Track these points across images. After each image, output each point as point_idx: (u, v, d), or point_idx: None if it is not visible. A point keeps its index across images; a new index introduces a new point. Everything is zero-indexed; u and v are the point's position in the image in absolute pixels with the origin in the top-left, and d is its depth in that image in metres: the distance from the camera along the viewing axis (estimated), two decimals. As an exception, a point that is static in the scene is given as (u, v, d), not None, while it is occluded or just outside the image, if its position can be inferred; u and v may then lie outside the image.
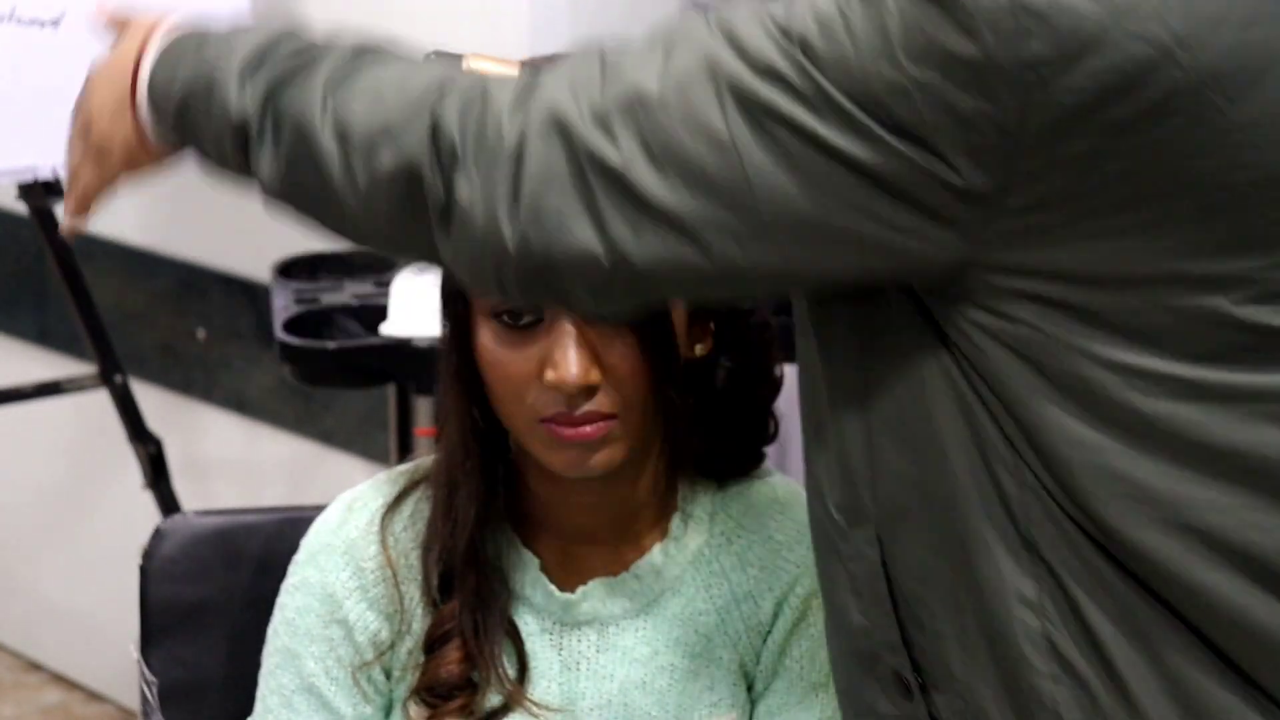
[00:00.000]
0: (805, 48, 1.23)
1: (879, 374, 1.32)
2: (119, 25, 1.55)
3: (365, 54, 1.40)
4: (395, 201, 1.33)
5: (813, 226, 1.25)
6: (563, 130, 1.28)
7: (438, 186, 1.31)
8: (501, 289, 1.33)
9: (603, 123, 1.27)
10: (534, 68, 1.34)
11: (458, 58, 1.52)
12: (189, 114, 1.43)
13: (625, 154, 1.26)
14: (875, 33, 1.22)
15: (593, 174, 1.27)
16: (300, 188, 1.39)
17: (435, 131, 1.31)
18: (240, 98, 1.39)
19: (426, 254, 1.36)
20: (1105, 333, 1.25)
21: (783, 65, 1.24)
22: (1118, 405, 1.26)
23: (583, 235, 1.27)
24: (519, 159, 1.28)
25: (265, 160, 1.39)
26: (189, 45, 1.45)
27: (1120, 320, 1.25)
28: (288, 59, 1.39)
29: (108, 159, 1.52)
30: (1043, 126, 1.20)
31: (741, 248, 1.26)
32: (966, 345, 1.28)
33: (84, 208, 1.56)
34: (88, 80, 1.53)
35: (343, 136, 1.35)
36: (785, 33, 1.24)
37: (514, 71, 1.40)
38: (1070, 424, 1.26)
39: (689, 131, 1.25)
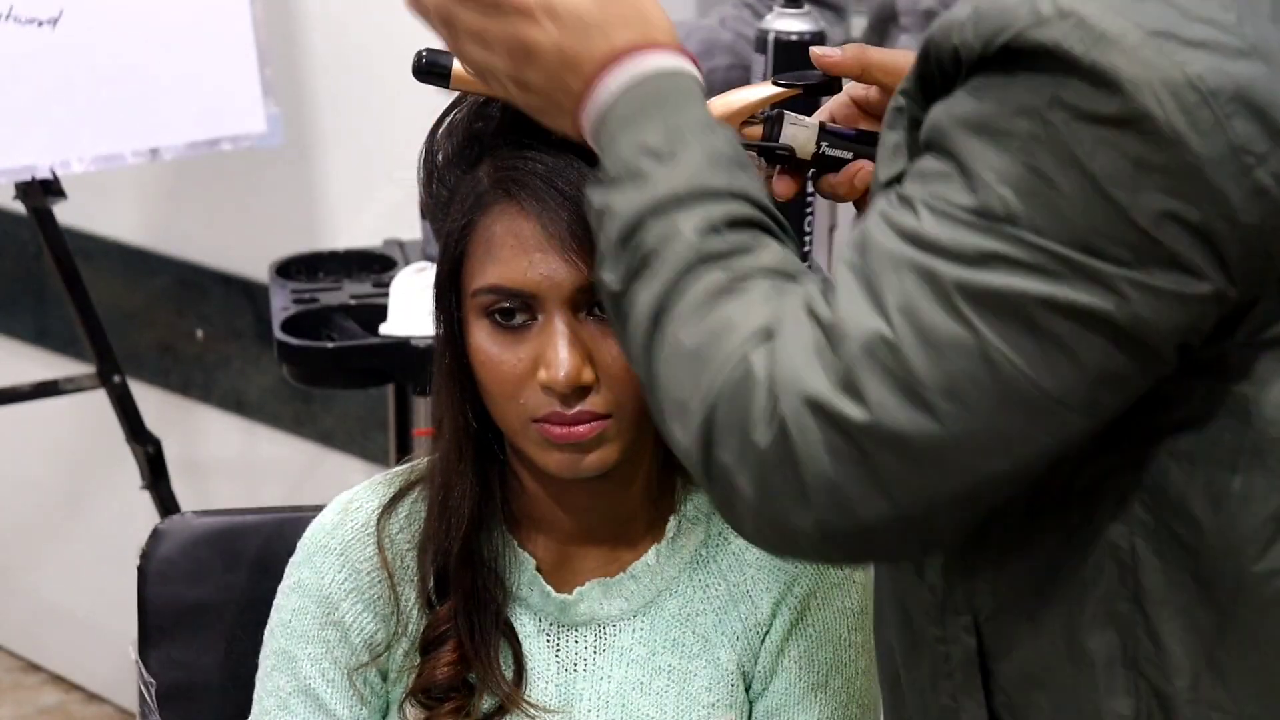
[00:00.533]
0: (1012, 219, 1.20)
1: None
2: None
3: (700, 267, 1.30)
4: (689, 461, 1.31)
5: (1096, 382, 1.22)
6: (821, 411, 1.22)
7: (710, 486, 1.28)
8: (808, 556, 1.34)
9: (852, 386, 1.22)
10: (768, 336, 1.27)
11: (449, 55, 1.52)
12: (617, 184, 1.35)
13: (882, 408, 1.21)
14: (1078, 177, 1.19)
15: (864, 441, 1.22)
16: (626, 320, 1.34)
17: (708, 440, 1.27)
18: (611, 266, 1.33)
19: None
20: None
21: (998, 246, 1.20)
22: None
23: (876, 504, 1.23)
24: (789, 450, 1.23)
25: (616, 324, 1.35)
26: (644, 107, 1.36)
27: None
28: (651, 241, 1.31)
29: (490, 76, 1.42)
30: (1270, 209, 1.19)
31: (1040, 437, 1.23)
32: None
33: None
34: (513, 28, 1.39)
35: (651, 381, 1.31)
36: (982, 213, 1.21)
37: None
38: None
39: (939, 356, 1.21)
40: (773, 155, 1.52)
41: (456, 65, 1.51)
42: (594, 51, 1.37)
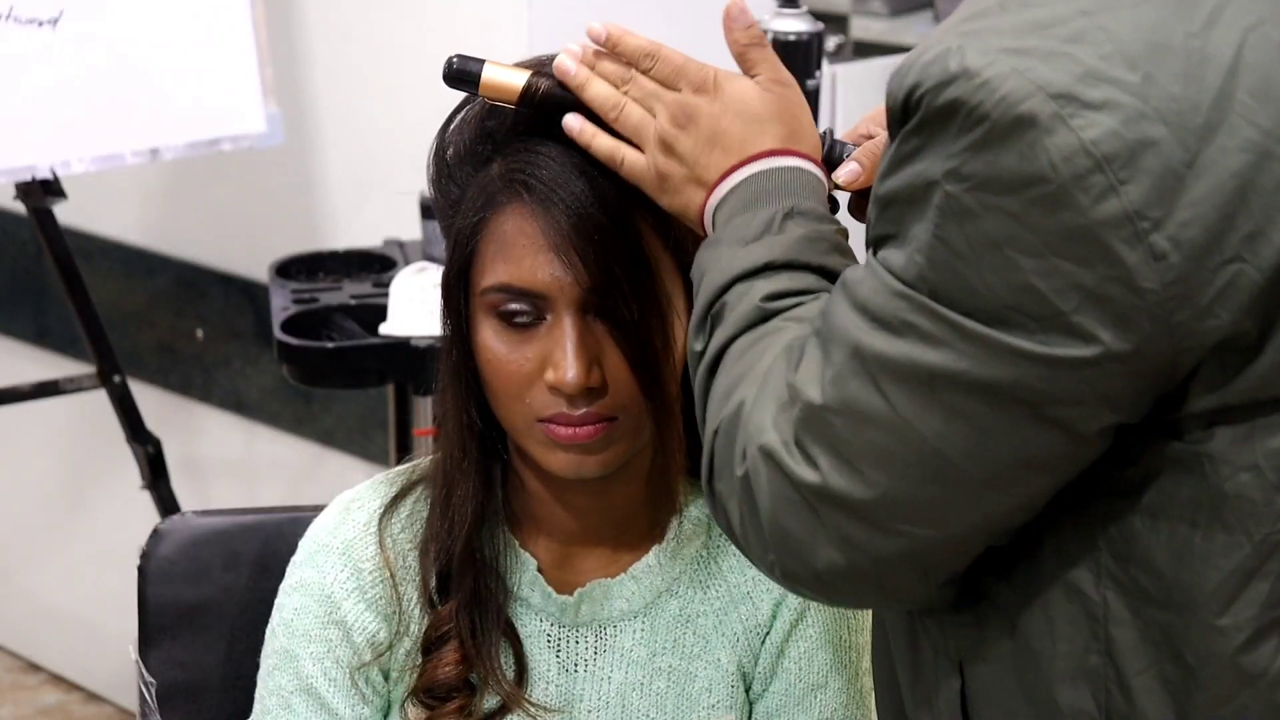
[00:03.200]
0: (925, 288, 1.23)
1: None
2: (757, 60, 1.48)
3: (740, 333, 1.37)
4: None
5: (1015, 463, 1.25)
6: (772, 461, 1.29)
7: (714, 512, 1.36)
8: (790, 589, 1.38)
9: (800, 446, 1.28)
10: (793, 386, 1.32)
11: (479, 62, 1.52)
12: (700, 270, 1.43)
13: (824, 471, 1.26)
14: (981, 243, 1.20)
15: (810, 497, 1.27)
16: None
17: (711, 468, 1.35)
18: (696, 333, 1.41)
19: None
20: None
21: (913, 317, 1.23)
22: None
23: (826, 554, 1.28)
24: (750, 492, 1.30)
25: (693, 339, 1.42)
26: (755, 198, 1.42)
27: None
28: (722, 308, 1.39)
29: (663, 190, 1.48)
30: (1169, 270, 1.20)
31: (965, 511, 1.26)
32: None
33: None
34: (726, 94, 1.46)
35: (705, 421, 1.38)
36: (905, 280, 1.24)
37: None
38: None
39: (861, 426, 1.25)
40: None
41: (486, 73, 1.51)
42: (748, 141, 1.43)
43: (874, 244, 1.29)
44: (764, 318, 1.36)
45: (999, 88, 1.19)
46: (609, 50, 1.49)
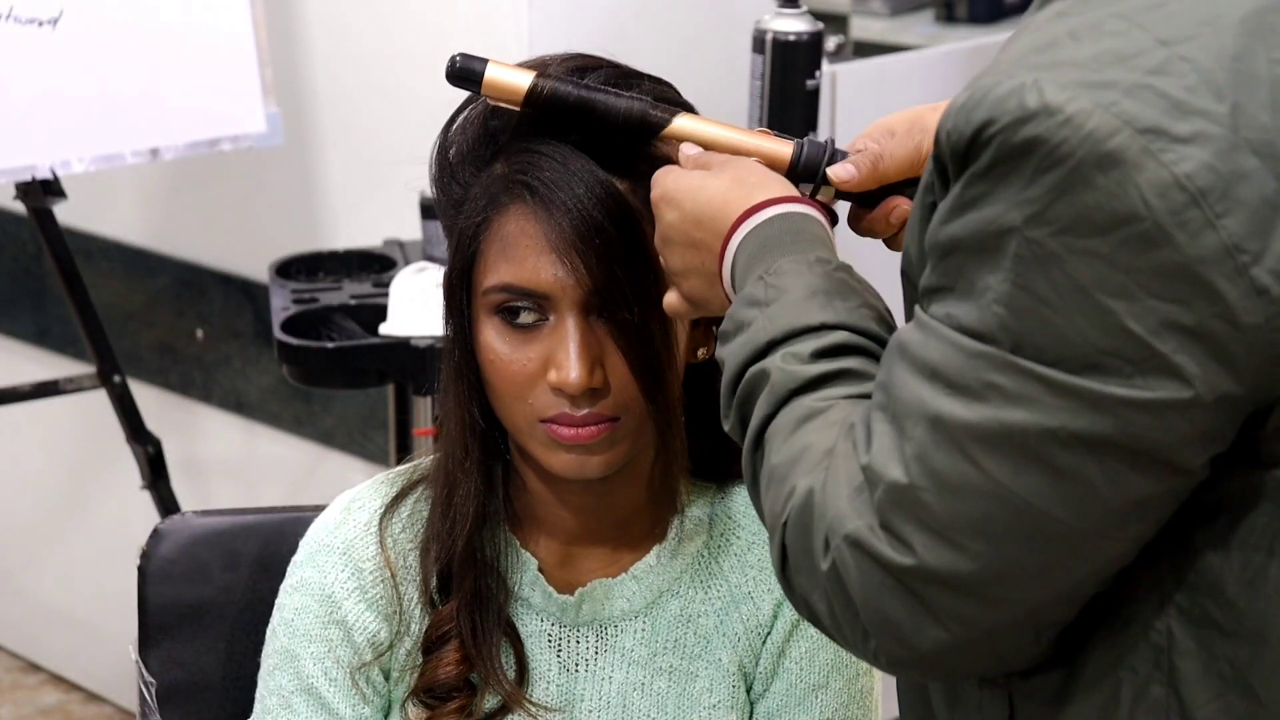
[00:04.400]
0: (1008, 342, 1.18)
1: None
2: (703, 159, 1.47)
3: (779, 412, 1.31)
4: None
5: (1123, 508, 1.20)
6: (860, 550, 1.22)
7: (794, 604, 1.30)
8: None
9: (888, 529, 1.21)
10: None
11: (483, 61, 1.51)
12: (727, 338, 1.37)
13: (919, 551, 1.21)
14: (1069, 290, 1.16)
15: (908, 580, 1.21)
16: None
17: (783, 561, 1.28)
18: (727, 407, 1.36)
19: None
20: None
21: (996, 377, 1.18)
22: None
23: (933, 634, 1.22)
24: (840, 583, 1.24)
25: (725, 421, 1.37)
26: (750, 263, 1.38)
27: None
28: (756, 377, 1.33)
29: (700, 309, 1.46)
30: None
31: (1075, 565, 1.22)
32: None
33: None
34: (671, 200, 1.44)
35: (757, 512, 1.34)
36: (981, 335, 1.18)
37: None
38: None
39: (954, 499, 1.20)
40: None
41: (489, 72, 1.51)
42: (720, 216, 1.40)
43: (927, 295, 1.23)
44: (795, 390, 1.30)
45: (1084, 124, 1.15)
46: None
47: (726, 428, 1.35)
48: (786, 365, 1.30)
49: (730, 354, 1.34)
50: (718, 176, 1.43)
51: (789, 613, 1.67)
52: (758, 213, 1.39)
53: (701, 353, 1.62)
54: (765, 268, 1.35)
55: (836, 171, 1.47)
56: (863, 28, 4.21)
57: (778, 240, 1.37)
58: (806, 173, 1.48)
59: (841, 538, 1.23)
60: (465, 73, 1.51)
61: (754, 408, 1.32)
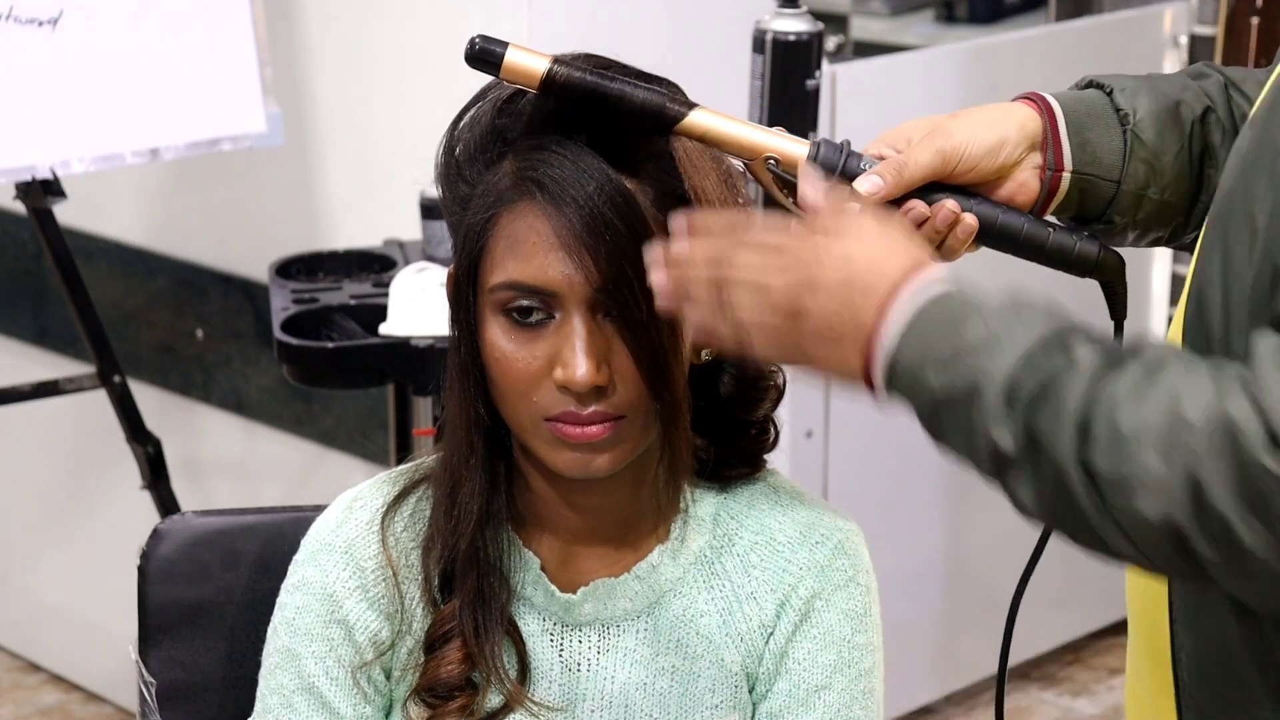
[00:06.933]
0: None
1: None
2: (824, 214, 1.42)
3: (1112, 370, 1.29)
4: (1162, 547, 1.27)
5: None
6: None
7: (1213, 555, 1.26)
8: None
9: None
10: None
11: (503, 44, 1.52)
12: (942, 416, 1.34)
13: None
14: None
15: None
16: (1061, 518, 1.32)
17: (1199, 503, 1.25)
18: (1001, 429, 1.31)
19: (1208, 581, 1.30)
20: None
21: None
22: None
23: None
24: None
25: (1023, 489, 1.32)
26: (945, 324, 1.34)
27: None
28: (1040, 378, 1.30)
29: (797, 363, 1.42)
30: None
31: None
32: None
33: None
34: (798, 266, 1.39)
35: (1092, 483, 1.29)
36: None
37: None
38: None
39: None
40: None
41: (509, 55, 1.51)
42: (879, 281, 1.36)
43: None
44: (1108, 365, 1.28)
45: None
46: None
47: (1000, 443, 1.32)
48: (1086, 349, 1.29)
49: (983, 373, 1.31)
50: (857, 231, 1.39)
51: (792, 613, 1.67)
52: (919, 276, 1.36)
53: (705, 353, 1.62)
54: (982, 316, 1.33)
55: (863, 185, 1.47)
56: (863, 28, 4.21)
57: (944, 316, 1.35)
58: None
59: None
60: (485, 54, 1.52)
61: (1057, 393, 1.29)
